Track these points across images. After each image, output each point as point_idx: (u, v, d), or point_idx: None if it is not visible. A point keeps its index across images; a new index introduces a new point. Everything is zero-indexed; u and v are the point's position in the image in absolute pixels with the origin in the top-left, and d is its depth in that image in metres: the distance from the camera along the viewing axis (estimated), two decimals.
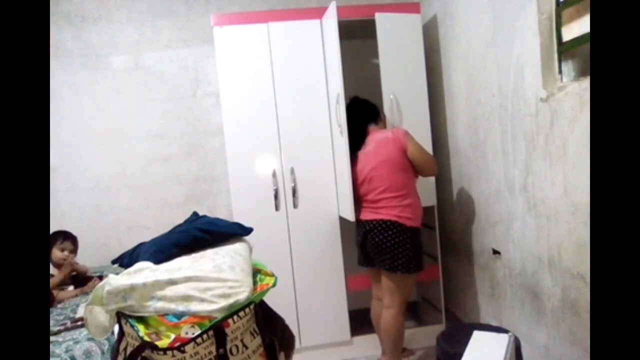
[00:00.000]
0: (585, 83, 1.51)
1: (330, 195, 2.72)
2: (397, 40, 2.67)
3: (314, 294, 2.72)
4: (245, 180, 2.67)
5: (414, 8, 2.70)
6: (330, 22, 2.48)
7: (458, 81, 2.59)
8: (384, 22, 2.62)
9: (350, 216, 2.43)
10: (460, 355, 1.40)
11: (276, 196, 2.68)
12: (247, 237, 1.72)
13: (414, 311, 3.21)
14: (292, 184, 2.69)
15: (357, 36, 2.89)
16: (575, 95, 1.56)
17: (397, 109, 2.64)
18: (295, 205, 2.70)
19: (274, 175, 2.69)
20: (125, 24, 3.10)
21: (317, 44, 2.69)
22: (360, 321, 2.77)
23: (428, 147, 2.56)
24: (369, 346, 2.75)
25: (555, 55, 1.74)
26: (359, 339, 2.78)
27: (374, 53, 2.63)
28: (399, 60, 2.66)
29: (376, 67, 2.63)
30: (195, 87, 3.16)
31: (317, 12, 2.69)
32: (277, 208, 2.69)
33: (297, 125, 2.70)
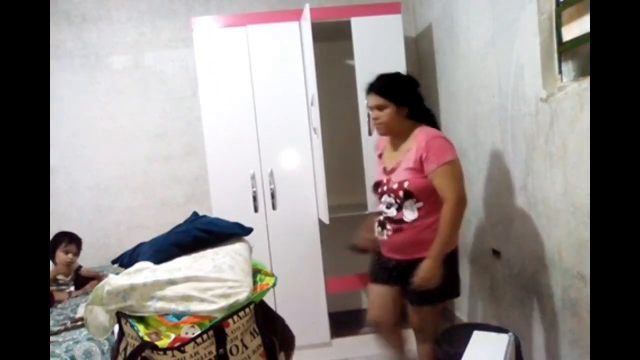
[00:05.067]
0: (585, 83, 1.51)
1: (310, 197, 2.72)
2: (375, 43, 2.66)
3: (293, 296, 2.71)
4: (225, 182, 2.69)
5: (394, 9, 2.69)
6: (304, 24, 2.49)
7: (458, 81, 2.58)
8: (360, 26, 2.62)
9: (325, 218, 2.40)
10: (460, 355, 1.40)
11: (255, 198, 2.69)
12: (247, 237, 1.72)
13: None
14: (271, 186, 2.70)
15: (340, 38, 2.88)
16: (575, 95, 1.56)
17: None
18: (274, 207, 2.71)
19: (253, 177, 2.69)
20: (125, 24, 3.10)
21: (297, 46, 2.69)
22: (340, 323, 2.76)
23: None
24: (349, 348, 2.76)
25: (555, 55, 1.74)
26: (338, 340, 2.80)
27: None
28: (377, 62, 2.62)
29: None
30: (195, 87, 3.15)
31: (296, 14, 2.68)
32: (256, 210, 2.70)
33: (276, 127, 2.71)
